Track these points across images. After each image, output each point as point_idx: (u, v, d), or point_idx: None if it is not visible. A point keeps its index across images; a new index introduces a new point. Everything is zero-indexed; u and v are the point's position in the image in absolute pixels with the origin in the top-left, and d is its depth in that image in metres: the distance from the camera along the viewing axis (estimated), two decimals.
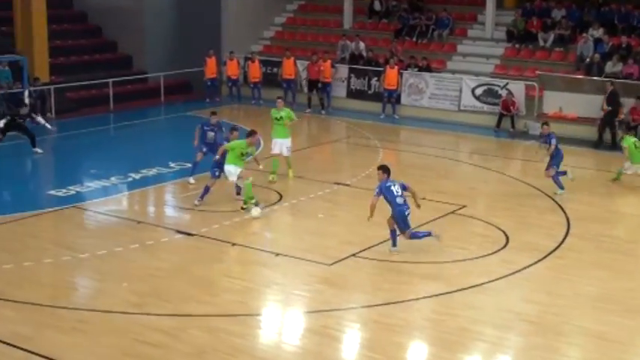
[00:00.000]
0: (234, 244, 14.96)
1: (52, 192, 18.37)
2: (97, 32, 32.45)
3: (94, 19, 32.65)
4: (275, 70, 29.85)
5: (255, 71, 29.46)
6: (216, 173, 17.21)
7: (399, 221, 14.36)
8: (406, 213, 14.34)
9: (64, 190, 18.33)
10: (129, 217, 16.83)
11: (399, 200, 14.29)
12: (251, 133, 16.88)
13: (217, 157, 16.88)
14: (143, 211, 17.69)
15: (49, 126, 22.77)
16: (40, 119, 22.81)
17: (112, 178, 19.36)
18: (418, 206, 14.62)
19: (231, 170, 16.65)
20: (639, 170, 19.09)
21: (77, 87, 28.41)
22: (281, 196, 18.00)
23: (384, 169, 14.51)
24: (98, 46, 31.69)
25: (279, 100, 19.68)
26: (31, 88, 25.49)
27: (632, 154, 18.99)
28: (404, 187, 14.45)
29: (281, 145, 19.10)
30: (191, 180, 18.69)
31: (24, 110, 21.33)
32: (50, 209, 17.08)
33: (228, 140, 17.30)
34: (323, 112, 28.13)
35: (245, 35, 31.97)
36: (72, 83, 28.18)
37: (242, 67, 30.17)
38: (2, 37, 28.97)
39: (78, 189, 18.51)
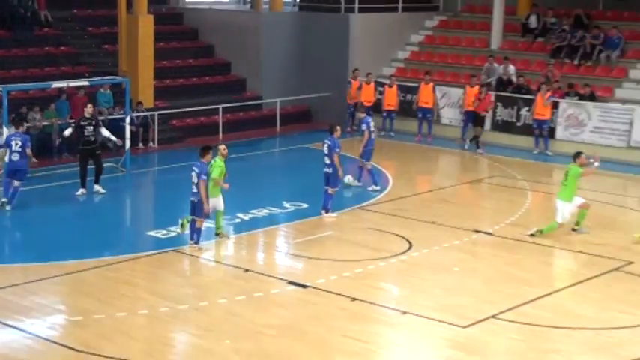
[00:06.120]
0: (354, 299, 14.99)
1: (151, 233, 18.92)
2: (209, 52, 33.44)
3: (206, 37, 33.68)
4: (410, 96, 29.96)
5: (392, 98, 29.67)
6: None
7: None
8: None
9: (164, 232, 18.79)
10: (235, 264, 17.12)
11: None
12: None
13: None
14: (251, 257, 17.94)
15: (113, 138, 22.57)
16: (104, 131, 22.06)
17: None
18: None
19: None
20: None
21: (184, 114, 29.30)
22: (410, 245, 17.99)
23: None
24: (209, 68, 32.67)
25: None
26: (134, 114, 26.42)
27: None
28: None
29: None
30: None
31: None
32: (148, 253, 17.54)
33: None
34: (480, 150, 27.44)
35: (376, 56, 32.21)
36: (178, 109, 29.08)
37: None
38: (105, 56, 30.19)
39: (179, 230, 18.95)
